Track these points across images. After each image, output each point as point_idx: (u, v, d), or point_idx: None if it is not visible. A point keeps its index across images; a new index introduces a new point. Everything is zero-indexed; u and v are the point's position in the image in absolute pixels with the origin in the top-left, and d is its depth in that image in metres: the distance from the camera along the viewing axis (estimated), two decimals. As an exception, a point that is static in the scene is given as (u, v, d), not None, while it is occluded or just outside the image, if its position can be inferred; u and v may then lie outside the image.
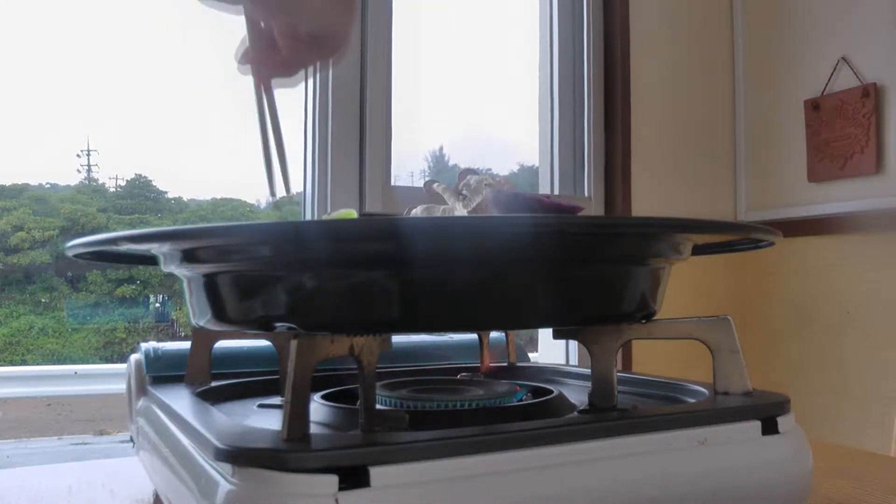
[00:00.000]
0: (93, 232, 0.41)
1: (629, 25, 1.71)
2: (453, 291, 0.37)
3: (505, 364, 0.63)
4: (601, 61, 1.72)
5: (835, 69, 1.62)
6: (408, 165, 1.74)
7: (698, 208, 1.79)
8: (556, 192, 1.70)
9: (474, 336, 0.62)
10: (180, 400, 0.45)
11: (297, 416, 0.32)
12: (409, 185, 1.62)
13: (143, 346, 0.56)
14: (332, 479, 0.29)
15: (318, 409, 0.43)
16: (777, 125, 1.76)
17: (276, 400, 0.50)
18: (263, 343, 0.57)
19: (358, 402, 0.37)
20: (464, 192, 0.50)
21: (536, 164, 1.75)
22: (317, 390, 0.46)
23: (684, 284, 1.04)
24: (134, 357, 0.56)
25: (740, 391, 0.43)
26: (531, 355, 0.67)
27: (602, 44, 1.72)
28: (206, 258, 0.39)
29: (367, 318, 0.37)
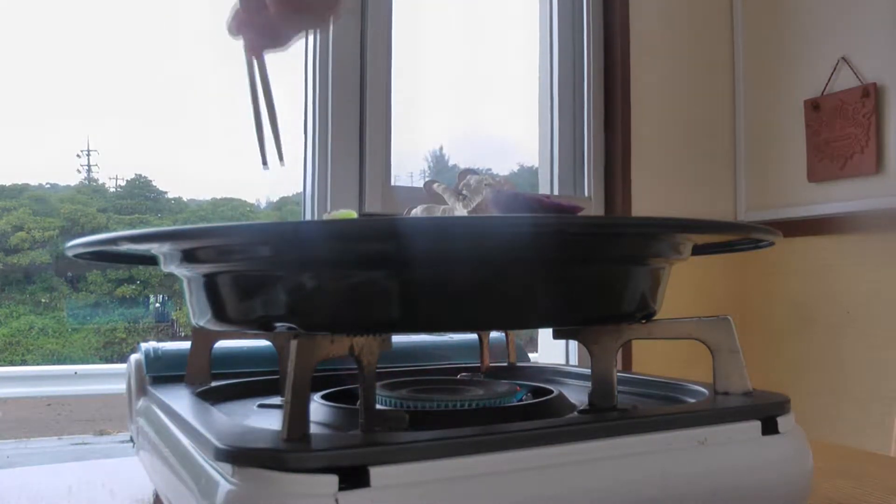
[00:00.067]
0: (93, 232, 0.41)
1: (629, 25, 1.71)
2: (453, 291, 0.37)
3: (505, 364, 0.63)
4: (601, 61, 1.72)
5: (835, 69, 1.62)
6: (408, 165, 1.74)
7: (698, 208, 1.79)
8: (556, 192, 1.70)
9: (474, 336, 0.62)
10: (180, 400, 0.45)
11: (297, 416, 0.32)
12: (409, 185, 1.62)
13: (143, 346, 0.56)
14: (332, 479, 0.29)
15: (318, 409, 0.43)
16: (777, 125, 1.76)
17: (276, 400, 0.50)
18: (263, 343, 0.57)
19: (358, 402, 0.37)
20: (464, 192, 0.50)
21: (536, 164, 1.75)
22: (317, 390, 0.46)
23: (684, 284, 1.04)
24: (134, 357, 0.56)
25: (740, 391, 0.43)
26: (531, 355, 0.67)
27: (602, 44, 1.72)
28: (206, 258, 0.39)
29: (367, 318, 0.37)
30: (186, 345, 0.54)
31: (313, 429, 0.33)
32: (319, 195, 1.44)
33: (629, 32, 1.71)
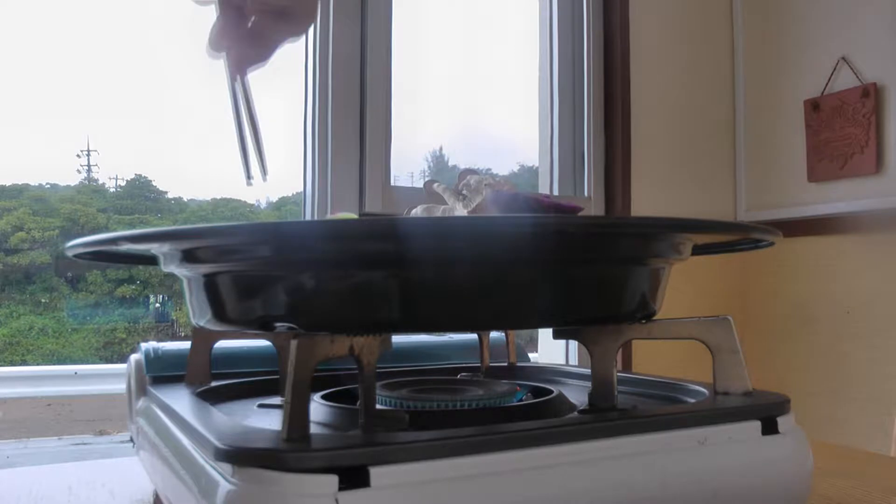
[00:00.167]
0: (93, 232, 0.41)
1: (629, 25, 1.71)
2: (453, 291, 0.37)
3: (505, 364, 0.63)
4: (601, 61, 1.72)
5: (835, 69, 1.62)
6: (408, 165, 1.74)
7: (698, 208, 1.79)
8: (556, 192, 1.70)
9: (474, 336, 0.62)
10: (180, 400, 0.45)
11: (297, 416, 0.32)
12: (409, 185, 1.62)
13: (143, 346, 0.56)
14: (332, 479, 0.29)
15: (318, 409, 0.42)
16: (777, 125, 1.76)
17: (276, 400, 0.50)
18: (263, 343, 0.57)
19: (358, 402, 0.37)
20: (464, 192, 0.50)
21: (536, 164, 1.75)
22: (317, 390, 0.46)
23: (684, 284, 1.04)
24: (134, 357, 0.56)
25: (740, 391, 0.42)
26: (531, 355, 0.67)
27: (602, 44, 1.72)
28: (206, 258, 0.39)
29: (367, 318, 0.37)
30: (186, 345, 0.54)
31: (313, 429, 0.33)
32: (319, 195, 1.44)
33: (629, 32, 1.71)
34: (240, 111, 0.47)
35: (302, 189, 1.49)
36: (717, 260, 1.66)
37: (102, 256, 0.47)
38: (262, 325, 0.40)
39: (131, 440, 0.55)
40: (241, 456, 0.31)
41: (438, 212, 0.51)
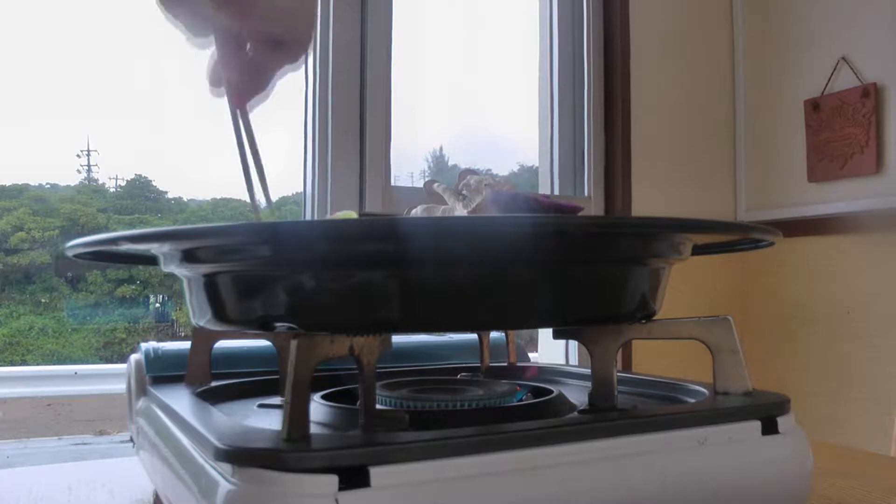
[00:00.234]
0: (93, 232, 0.41)
1: (629, 25, 1.71)
2: (453, 291, 0.37)
3: (505, 364, 0.63)
4: (601, 61, 1.72)
5: (835, 69, 1.62)
6: (408, 165, 1.74)
7: (698, 208, 1.79)
8: (556, 192, 1.70)
9: (474, 336, 0.62)
10: (180, 400, 0.45)
11: (297, 416, 0.32)
12: (409, 185, 1.62)
13: (143, 346, 0.56)
14: (332, 479, 0.29)
15: (318, 409, 0.42)
16: (777, 125, 1.76)
17: (276, 400, 0.50)
18: (263, 343, 0.57)
19: (358, 402, 0.37)
20: (464, 192, 0.50)
21: (536, 164, 1.75)
22: (317, 390, 0.46)
23: (684, 284, 1.04)
24: (134, 357, 0.56)
25: (740, 391, 0.42)
26: (531, 355, 0.67)
27: (602, 44, 1.72)
28: (206, 258, 0.39)
29: (367, 318, 0.37)
30: (186, 345, 0.54)
31: (313, 429, 0.33)
32: (319, 195, 1.44)
33: (629, 32, 1.71)
34: (243, 144, 0.47)
35: (302, 189, 1.49)
36: (717, 260, 1.66)
37: (102, 256, 0.47)
38: (262, 325, 0.40)
39: (131, 440, 0.55)
40: (241, 456, 0.31)
41: (438, 212, 0.51)
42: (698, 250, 0.47)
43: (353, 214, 0.52)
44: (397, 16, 1.49)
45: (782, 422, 0.40)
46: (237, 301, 0.40)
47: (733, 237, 0.47)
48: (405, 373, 0.57)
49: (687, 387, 0.48)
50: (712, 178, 1.83)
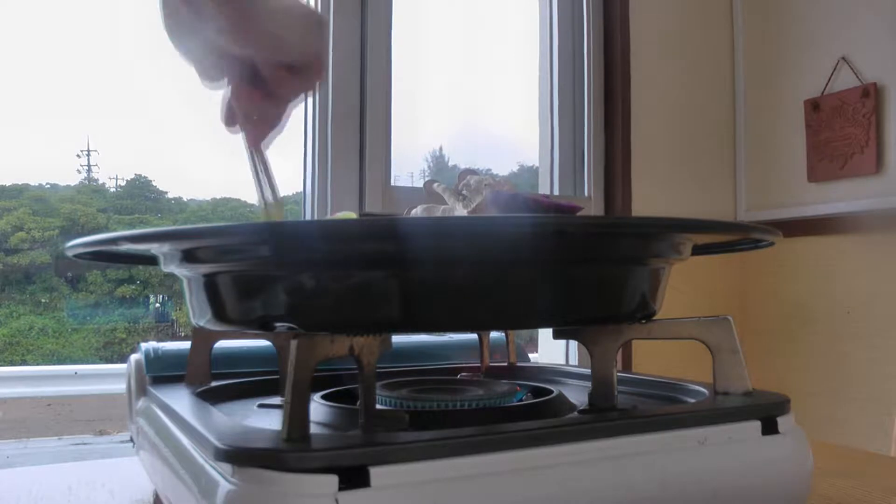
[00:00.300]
0: (93, 232, 0.41)
1: (629, 25, 1.71)
2: (453, 291, 0.37)
3: (505, 364, 0.63)
4: (601, 61, 1.72)
5: (835, 69, 1.62)
6: (408, 165, 1.74)
7: (698, 208, 1.79)
8: (556, 192, 1.70)
9: (474, 336, 0.62)
10: (180, 400, 0.45)
11: (297, 416, 0.32)
12: (409, 185, 1.62)
13: (143, 346, 0.56)
14: (332, 479, 0.29)
15: (318, 409, 0.43)
16: (777, 125, 1.76)
17: (276, 400, 0.50)
18: (263, 343, 0.57)
19: (358, 402, 0.37)
20: (464, 192, 0.50)
21: (536, 164, 1.75)
22: (317, 390, 0.46)
23: (684, 284, 1.04)
24: (134, 357, 0.56)
25: (740, 391, 0.43)
26: (531, 355, 0.67)
27: (602, 44, 1.72)
28: (206, 258, 0.39)
29: (367, 318, 0.37)
30: (186, 345, 0.54)
31: (313, 429, 0.33)
32: (319, 195, 1.44)
33: (629, 32, 1.71)
34: (260, 179, 0.48)
35: (302, 189, 1.49)
36: (717, 260, 1.66)
37: (102, 256, 0.47)
38: (262, 325, 0.40)
39: (131, 440, 0.55)
40: (241, 456, 0.31)
41: (438, 212, 0.51)
42: (698, 250, 0.47)
43: (353, 215, 0.52)
44: (397, 16, 1.49)
45: (782, 422, 0.40)
46: (237, 301, 0.40)
47: (733, 237, 0.47)
48: (405, 373, 0.57)
49: (687, 387, 0.48)
50: (712, 178, 1.83)
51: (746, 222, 1.62)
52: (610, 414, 0.42)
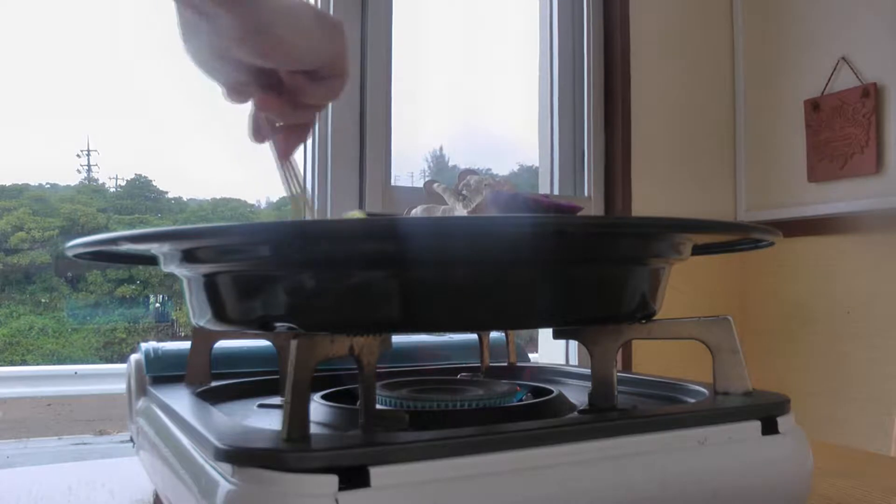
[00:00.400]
0: (93, 232, 0.41)
1: (629, 25, 1.71)
2: (453, 291, 0.37)
3: (505, 364, 0.63)
4: (601, 61, 1.72)
5: (835, 69, 1.62)
6: (408, 165, 1.74)
7: (698, 208, 1.79)
8: (556, 192, 1.70)
9: (474, 336, 0.62)
10: (180, 400, 0.45)
11: (297, 416, 0.32)
12: (409, 185, 1.62)
13: (143, 346, 0.56)
14: (332, 479, 0.29)
15: (318, 409, 0.43)
16: (777, 125, 1.76)
17: (276, 400, 0.50)
18: (263, 343, 0.57)
19: (358, 402, 0.37)
20: (464, 192, 0.50)
21: (536, 164, 1.75)
22: (317, 390, 0.46)
23: (684, 284, 1.04)
24: (134, 357, 0.56)
25: (740, 391, 0.43)
26: (531, 355, 0.67)
27: (602, 43, 1.72)
28: (206, 258, 0.39)
29: (367, 318, 0.37)
30: (186, 345, 0.54)
31: (313, 429, 0.33)
32: (320, 195, 1.44)
33: (629, 32, 1.71)
34: (291, 188, 0.49)
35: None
36: (717, 260, 1.66)
37: (102, 256, 0.47)
38: (262, 325, 0.40)
39: (131, 440, 0.55)
40: (241, 456, 0.31)
41: (438, 212, 0.51)
42: (698, 250, 0.47)
43: (361, 214, 0.52)
44: (397, 16, 1.49)
45: (782, 422, 0.40)
46: (237, 301, 0.40)
47: (733, 237, 0.47)
48: (405, 373, 0.57)
49: (687, 387, 0.48)
50: (712, 178, 1.83)
51: (746, 222, 1.62)
52: (610, 414, 0.42)
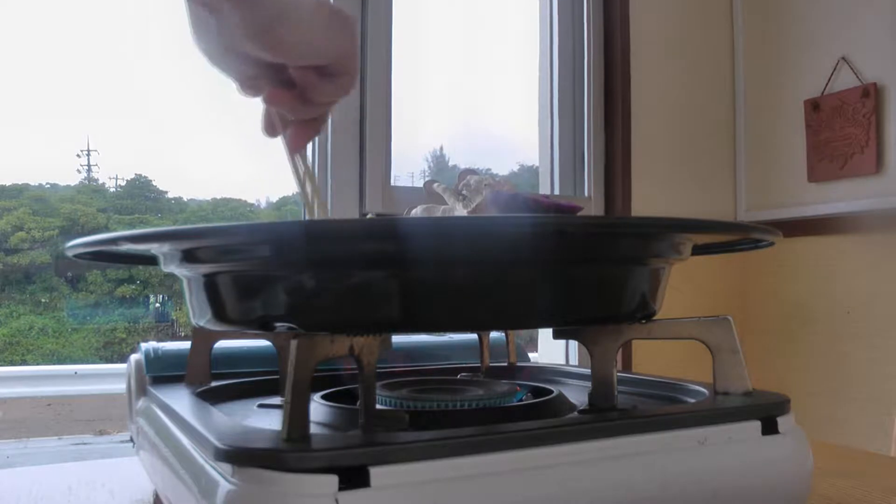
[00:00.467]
0: (93, 232, 0.41)
1: (629, 25, 1.71)
2: (453, 291, 0.37)
3: (505, 364, 0.63)
4: (601, 61, 1.72)
5: (835, 69, 1.62)
6: (408, 165, 1.74)
7: (698, 208, 1.79)
8: (556, 192, 1.70)
9: (474, 336, 0.62)
10: (180, 400, 0.45)
11: (297, 416, 0.32)
12: (409, 185, 1.62)
13: (143, 346, 0.56)
14: (332, 479, 0.29)
15: (318, 409, 0.43)
16: (777, 125, 1.76)
17: (276, 400, 0.50)
18: (263, 343, 0.57)
19: (358, 402, 0.37)
20: (464, 192, 0.50)
21: (536, 164, 1.75)
22: (317, 390, 0.46)
23: (684, 284, 1.04)
24: (134, 357, 0.56)
25: (740, 391, 0.43)
26: (531, 355, 0.67)
27: (602, 43, 1.72)
28: (206, 258, 0.39)
29: (367, 318, 0.37)
30: (186, 345, 0.54)
31: (313, 429, 0.33)
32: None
33: (629, 32, 1.71)
34: (304, 183, 0.49)
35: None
36: (717, 260, 1.66)
37: (102, 256, 0.47)
38: (262, 325, 0.40)
39: (131, 440, 0.55)
40: (241, 456, 0.31)
41: (438, 212, 0.51)
42: (698, 250, 0.47)
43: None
44: (397, 16, 1.49)
45: (782, 422, 0.40)
46: (237, 301, 0.40)
47: (733, 237, 0.47)
48: (405, 373, 0.57)
49: (687, 387, 0.48)
50: (712, 178, 1.83)
51: (746, 222, 1.62)
52: (610, 414, 0.42)
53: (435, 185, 0.54)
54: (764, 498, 0.38)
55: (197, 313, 0.43)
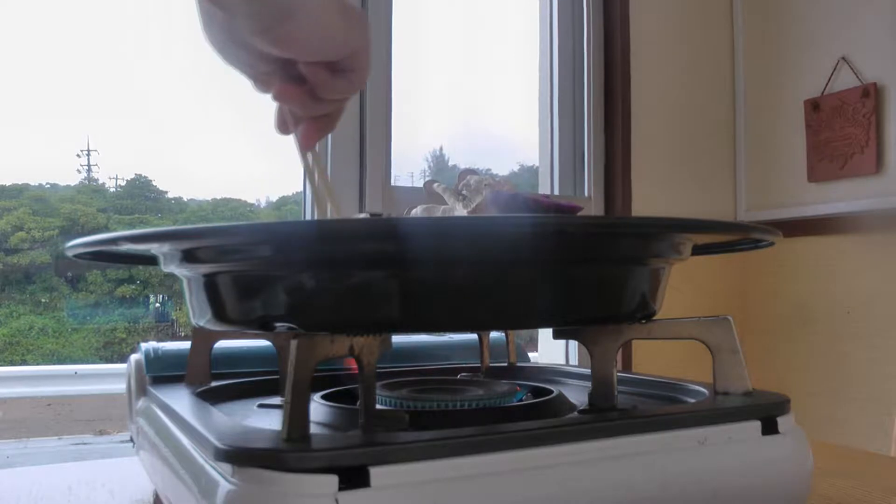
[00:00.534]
0: (93, 232, 0.41)
1: (629, 25, 1.71)
2: (453, 291, 0.37)
3: (505, 364, 0.63)
4: (601, 61, 1.72)
5: (835, 69, 1.62)
6: (408, 165, 1.74)
7: (698, 208, 1.79)
8: (556, 192, 1.70)
9: (474, 336, 0.62)
10: (180, 400, 0.45)
11: (297, 416, 0.32)
12: (409, 185, 1.62)
13: (143, 346, 0.56)
14: (332, 479, 0.29)
15: (318, 409, 0.43)
16: (777, 125, 1.76)
17: (276, 400, 0.50)
18: (263, 343, 0.57)
19: (358, 402, 0.37)
20: (464, 192, 0.50)
21: (536, 164, 1.75)
22: (317, 390, 0.46)
23: (684, 284, 1.04)
24: (134, 357, 0.56)
25: (740, 391, 0.42)
26: (531, 355, 0.67)
27: (602, 44, 1.72)
28: (206, 258, 0.39)
29: (367, 318, 0.37)
30: (186, 345, 0.54)
31: (313, 429, 0.33)
32: (319, 195, 1.44)
33: (629, 32, 1.71)
34: (315, 181, 0.49)
35: (302, 189, 1.49)
36: (717, 260, 1.66)
37: (102, 256, 0.47)
38: (262, 325, 0.40)
39: (131, 440, 0.55)
40: (241, 456, 0.31)
41: (438, 212, 0.51)
42: (698, 250, 0.47)
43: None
44: (397, 16, 1.49)
45: (782, 422, 0.40)
46: (237, 301, 0.40)
47: (733, 237, 0.47)
48: (405, 373, 0.57)
49: (687, 387, 0.48)
50: (712, 178, 1.83)
51: (746, 222, 1.62)
52: (610, 414, 0.42)
53: (435, 185, 0.54)
54: (764, 498, 0.38)
55: (197, 313, 0.43)
